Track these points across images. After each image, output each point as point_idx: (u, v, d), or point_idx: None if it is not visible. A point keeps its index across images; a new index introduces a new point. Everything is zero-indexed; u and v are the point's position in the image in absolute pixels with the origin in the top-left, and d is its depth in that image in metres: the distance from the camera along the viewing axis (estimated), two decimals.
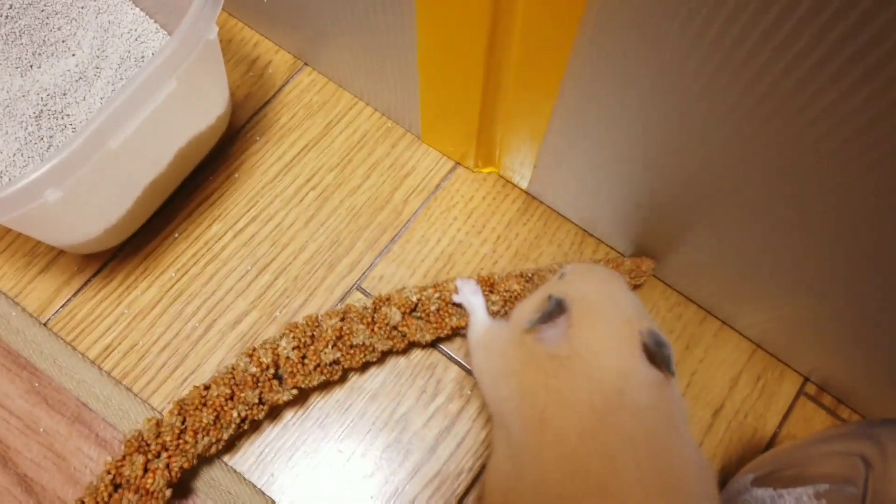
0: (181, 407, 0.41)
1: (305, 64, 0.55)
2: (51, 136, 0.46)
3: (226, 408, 0.40)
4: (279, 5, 0.50)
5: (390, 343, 0.43)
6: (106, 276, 0.48)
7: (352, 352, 0.43)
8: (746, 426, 0.46)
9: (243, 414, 0.41)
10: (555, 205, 0.51)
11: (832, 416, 0.46)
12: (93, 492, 0.39)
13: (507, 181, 0.52)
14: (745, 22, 0.26)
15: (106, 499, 0.38)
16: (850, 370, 0.43)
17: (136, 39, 0.49)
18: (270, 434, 0.45)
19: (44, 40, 0.48)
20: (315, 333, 0.42)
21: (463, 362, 0.46)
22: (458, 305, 0.44)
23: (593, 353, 0.34)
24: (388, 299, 0.44)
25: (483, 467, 0.44)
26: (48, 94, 0.47)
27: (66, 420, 0.45)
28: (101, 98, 0.47)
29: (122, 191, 0.42)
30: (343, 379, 0.46)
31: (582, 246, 0.50)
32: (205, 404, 0.41)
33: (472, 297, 0.44)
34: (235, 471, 0.44)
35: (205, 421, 0.40)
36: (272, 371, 0.42)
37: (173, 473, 0.40)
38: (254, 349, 0.42)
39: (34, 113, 0.46)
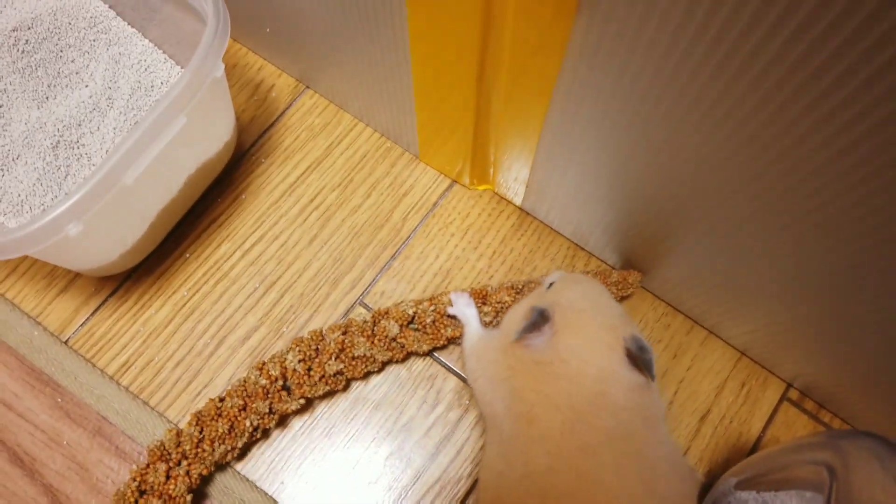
0: (198, 418, 0.44)
1: (307, 87, 0.57)
2: (68, 166, 0.49)
3: (239, 418, 0.44)
4: (281, 33, 0.52)
5: (390, 354, 0.46)
6: (121, 296, 0.51)
7: (354, 363, 0.45)
8: (732, 431, 0.48)
9: (255, 423, 0.44)
10: (548, 220, 0.53)
11: (814, 420, 0.49)
12: (120, 498, 0.42)
13: (502, 198, 0.54)
14: (726, 49, 0.27)
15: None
16: (831, 376, 0.45)
17: (145, 70, 0.52)
18: (280, 443, 0.47)
19: (58, 72, 0.51)
20: (319, 347, 0.45)
21: (461, 373, 0.49)
22: (453, 317, 0.47)
23: (576, 357, 0.37)
24: (386, 313, 0.46)
25: None
26: (64, 125, 0.49)
27: (87, 433, 0.47)
28: (114, 128, 0.50)
29: (136, 219, 0.44)
30: (348, 390, 0.48)
31: (574, 259, 0.52)
32: (220, 415, 0.44)
33: (465, 309, 0.46)
34: (248, 479, 0.46)
35: (220, 430, 0.43)
36: (281, 383, 0.45)
37: (193, 479, 0.43)
38: (263, 363, 0.45)
39: (51, 144, 0.48)
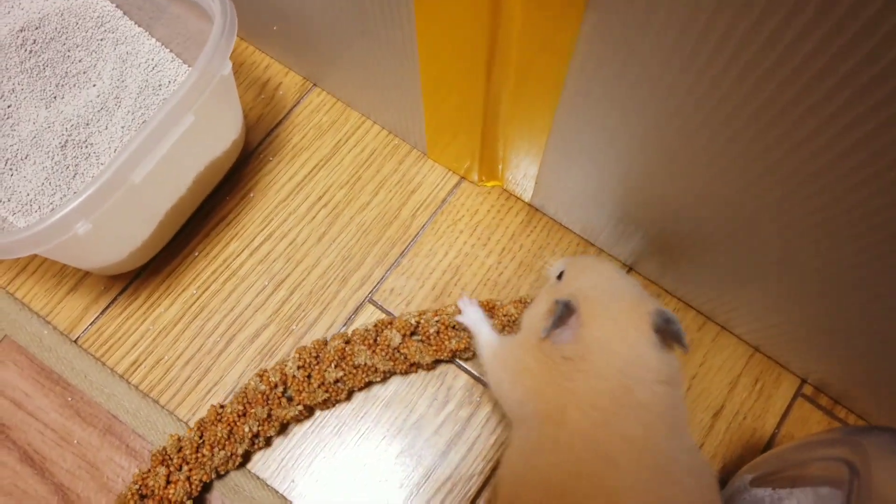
0: (200, 424, 0.45)
1: (315, 85, 0.57)
2: (76, 165, 0.49)
3: (238, 423, 0.44)
4: (288, 32, 0.52)
5: (391, 364, 0.46)
6: (131, 294, 0.51)
7: (354, 371, 0.46)
8: (746, 427, 0.48)
9: (255, 429, 0.44)
10: (557, 216, 0.52)
11: (829, 416, 0.48)
12: (121, 501, 0.42)
13: (511, 194, 0.54)
14: (737, 41, 0.26)
15: None
16: (846, 371, 0.45)
17: (153, 69, 0.52)
18: (291, 442, 0.47)
19: (66, 72, 0.51)
20: (320, 354, 0.46)
21: (471, 370, 0.49)
22: (459, 328, 0.46)
23: (604, 349, 0.35)
24: (390, 322, 0.46)
25: (493, 470, 0.46)
26: (72, 125, 0.49)
27: (97, 432, 0.47)
28: (122, 127, 0.50)
29: (144, 218, 0.44)
30: (353, 394, 0.48)
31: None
32: (220, 420, 0.44)
33: (475, 317, 0.45)
34: (258, 477, 0.46)
35: (220, 435, 0.44)
36: (281, 389, 0.45)
37: (193, 486, 0.43)
38: (264, 370, 0.46)
39: (60, 143, 0.48)
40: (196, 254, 0.52)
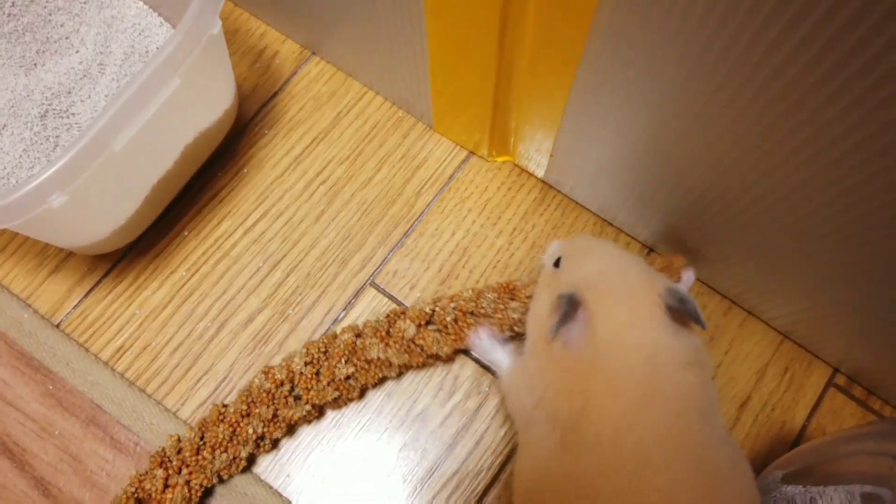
0: (201, 424, 0.42)
1: (313, 53, 0.54)
2: (57, 136, 0.45)
3: (241, 423, 0.41)
4: None
5: (407, 357, 0.43)
6: (117, 275, 0.48)
7: (367, 367, 0.42)
8: (774, 419, 0.44)
9: (259, 430, 0.41)
10: (573, 194, 0.49)
11: (863, 408, 0.45)
12: None
13: (523, 170, 0.51)
14: (766, 13, 0.25)
15: None
16: (882, 360, 0.42)
17: (139, 34, 0.48)
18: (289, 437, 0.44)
19: (47, 38, 0.48)
20: (329, 349, 0.42)
21: (479, 358, 0.45)
22: (478, 313, 0.43)
23: (620, 343, 0.33)
24: (402, 312, 0.43)
25: (502, 466, 0.43)
26: (53, 94, 0.46)
27: (80, 422, 0.44)
28: (106, 95, 0.46)
29: (128, 191, 0.41)
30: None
31: (601, 236, 0.49)
32: (222, 420, 0.41)
33: (489, 347, 0.42)
34: (252, 472, 0.43)
35: (221, 436, 0.40)
36: (287, 387, 0.42)
37: (193, 491, 0.40)
38: (270, 367, 0.42)
39: (39, 113, 0.45)
40: (186, 233, 0.48)
